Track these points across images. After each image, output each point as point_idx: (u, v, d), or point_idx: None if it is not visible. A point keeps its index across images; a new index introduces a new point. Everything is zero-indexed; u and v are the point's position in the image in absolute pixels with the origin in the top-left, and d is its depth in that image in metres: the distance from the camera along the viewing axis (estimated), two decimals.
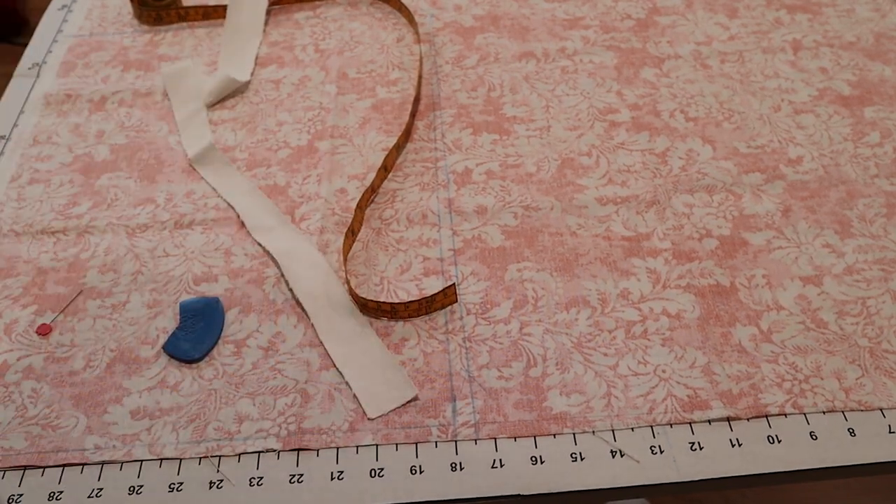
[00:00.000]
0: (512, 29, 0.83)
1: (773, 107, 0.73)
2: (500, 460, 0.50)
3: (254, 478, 0.49)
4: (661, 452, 0.50)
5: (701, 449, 0.50)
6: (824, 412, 0.51)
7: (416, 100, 0.74)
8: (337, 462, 0.50)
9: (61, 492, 0.49)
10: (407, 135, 0.71)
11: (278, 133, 0.73)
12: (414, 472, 0.49)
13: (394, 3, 0.86)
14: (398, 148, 0.69)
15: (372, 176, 0.68)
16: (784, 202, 0.64)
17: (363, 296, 0.58)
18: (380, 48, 0.82)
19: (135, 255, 0.63)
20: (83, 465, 0.51)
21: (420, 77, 0.75)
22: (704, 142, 0.70)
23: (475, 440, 0.51)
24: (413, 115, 0.72)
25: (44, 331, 0.58)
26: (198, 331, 0.56)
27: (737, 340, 0.55)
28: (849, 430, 0.50)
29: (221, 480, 0.50)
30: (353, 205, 0.65)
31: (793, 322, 0.56)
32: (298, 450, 0.51)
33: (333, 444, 0.51)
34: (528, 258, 0.61)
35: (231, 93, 0.77)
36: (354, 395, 0.53)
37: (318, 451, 0.51)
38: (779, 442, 0.50)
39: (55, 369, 0.55)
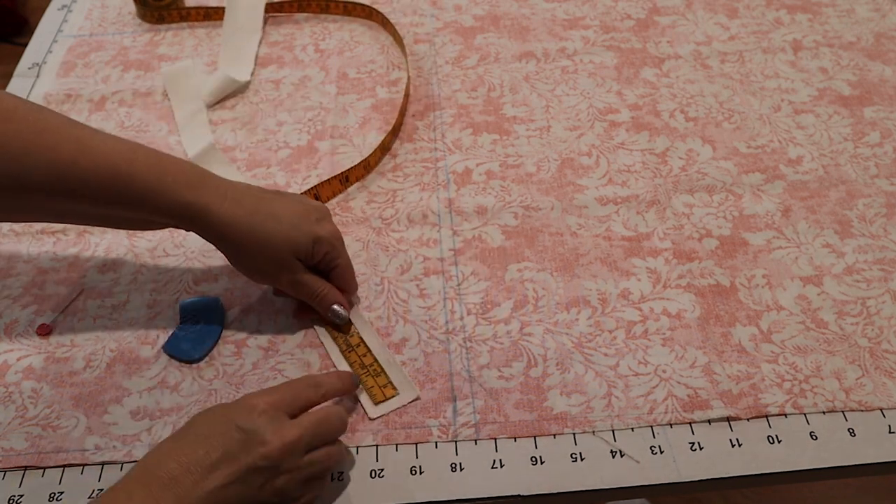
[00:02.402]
0: (512, 29, 0.83)
1: (773, 107, 0.73)
2: (500, 461, 0.50)
3: None
4: (661, 452, 0.50)
5: (701, 449, 0.50)
6: (824, 412, 0.51)
7: (406, 97, 0.73)
8: None
9: (62, 492, 0.49)
10: (395, 132, 0.70)
11: (278, 133, 0.73)
12: (414, 472, 0.49)
13: (377, 17, 0.84)
14: (383, 149, 0.69)
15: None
16: (784, 202, 0.64)
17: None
18: (380, 48, 0.82)
19: (135, 255, 0.63)
20: (83, 465, 0.51)
21: (408, 88, 0.74)
22: (704, 142, 0.70)
23: (475, 440, 0.51)
24: (402, 112, 0.72)
25: (44, 331, 0.58)
26: (198, 331, 0.56)
27: (737, 340, 0.55)
28: (849, 430, 0.50)
29: None
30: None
31: (793, 322, 0.56)
32: None
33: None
34: (529, 258, 0.61)
35: (231, 93, 0.77)
36: (355, 396, 0.53)
37: None
38: (779, 442, 0.50)
39: (55, 369, 0.55)
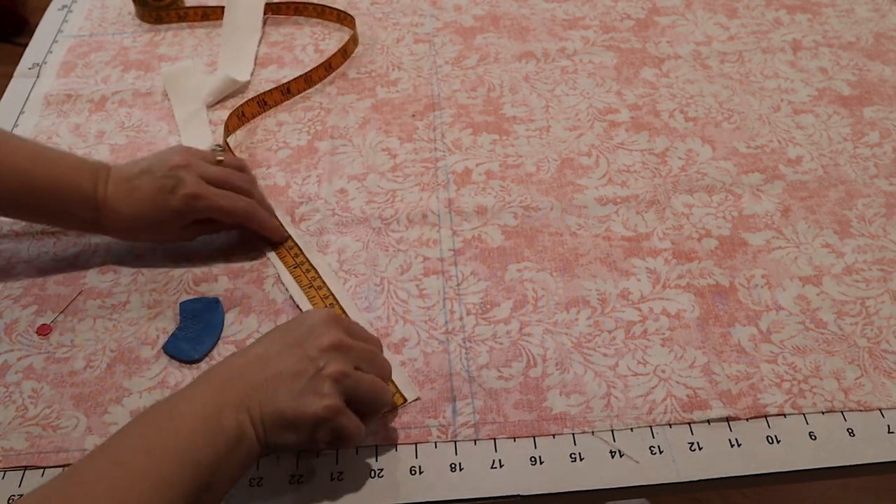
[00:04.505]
0: (512, 29, 0.83)
1: (773, 107, 0.73)
2: (500, 461, 0.50)
3: (254, 478, 0.49)
4: (661, 453, 0.50)
5: (700, 449, 0.50)
6: (823, 412, 0.51)
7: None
8: (337, 462, 0.50)
9: None
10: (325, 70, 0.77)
11: (278, 133, 0.73)
12: (413, 472, 0.49)
13: (347, 21, 0.85)
14: (306, 80, 0.76)
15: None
16: (783, 202, 0.64)
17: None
18: (380, 48, 0.82)
19: (135, 255, 0.63)
20: None
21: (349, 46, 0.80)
22: (704, 142, 0.70)
23: (475, 440, 0.51)
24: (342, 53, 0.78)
25: (44, 331, 0.58)
26: (198, 331, 0.56)
27: (736, 340, 0.55)
28: (848, 430, 0.51)
29: None
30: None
31: (792, 322, 0.56)
32: None
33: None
34: (528, 258, 0.61)
35: (231, 93, 0.77)
36: None
37: (318, 451, 0.51)
38: (778, 442, 0.50)
39: (55, 369, 0.55)
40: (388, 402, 0.49)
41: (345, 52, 0.79)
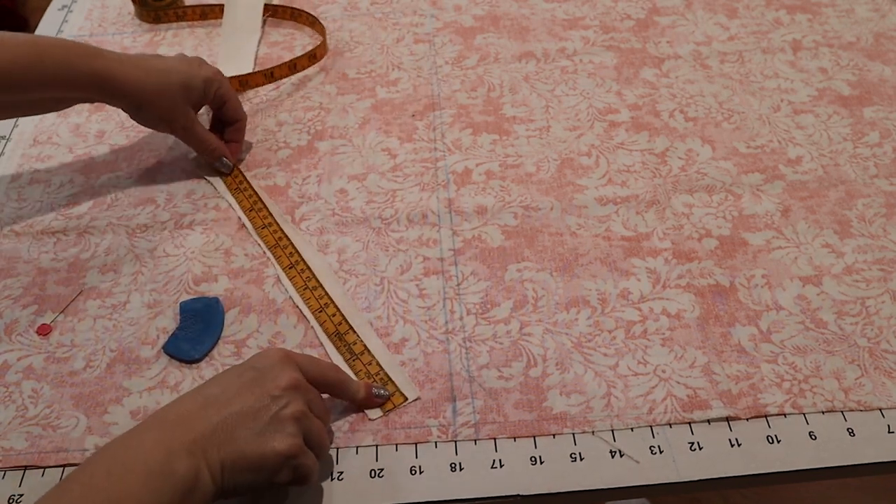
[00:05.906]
0: (512, 29, 0.83)
1: (773, 107, 0.73)
2: (500, 460, 0.50)
3: None
4: (661, 452, 0.50)
5: (700, 449, 0.50)
6: (823, 412, 0.51)
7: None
8: (337, 462, 0.50)
9: None
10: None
11: (278, 133, 0.73)
12: (414, 472, 0.49)
13: (305, 19, 0.85)
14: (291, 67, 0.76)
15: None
16: (783, 202, 0.64)
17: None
18: (380, 48, 0.82)
19: (135, 255, 0.63)
20: None
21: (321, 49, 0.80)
22: (704, 142, 0.70)
23: (475, 440, 0.51)
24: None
25: (44, 331, 0.58)
26: (198, 331, 0.56)
27: (736, 340, 0.55)
28: (848, 430, 0.51)
29: None
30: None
31: (792, 322, 0.56)
32: None
33: (333, 445, 0.51)
34: (528, 258, 0.61)
35: None
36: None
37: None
38: (778, 442, 0.50)
39: (55, 369, 0.55)
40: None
41: (313, 56, 0.78)
